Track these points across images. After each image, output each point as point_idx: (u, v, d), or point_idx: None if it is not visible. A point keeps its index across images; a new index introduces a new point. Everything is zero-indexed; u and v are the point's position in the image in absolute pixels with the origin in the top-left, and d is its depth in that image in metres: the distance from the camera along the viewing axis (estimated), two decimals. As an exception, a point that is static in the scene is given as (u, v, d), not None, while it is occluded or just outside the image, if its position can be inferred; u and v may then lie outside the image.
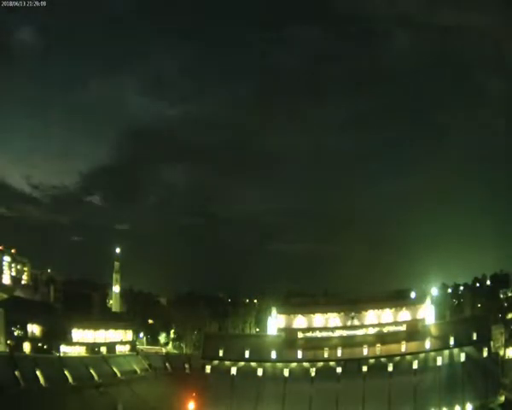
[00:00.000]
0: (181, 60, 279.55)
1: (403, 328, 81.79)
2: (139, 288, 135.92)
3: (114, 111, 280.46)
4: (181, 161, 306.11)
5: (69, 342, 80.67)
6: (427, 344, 78.20)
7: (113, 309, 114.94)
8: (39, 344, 76.11)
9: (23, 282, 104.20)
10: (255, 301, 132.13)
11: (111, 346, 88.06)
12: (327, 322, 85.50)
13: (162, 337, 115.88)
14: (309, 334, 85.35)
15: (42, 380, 66.36)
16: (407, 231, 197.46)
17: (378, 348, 79.85)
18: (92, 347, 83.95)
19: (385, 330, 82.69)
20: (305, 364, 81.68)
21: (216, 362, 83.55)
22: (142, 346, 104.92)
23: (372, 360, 78.99)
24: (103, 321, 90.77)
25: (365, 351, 79.97)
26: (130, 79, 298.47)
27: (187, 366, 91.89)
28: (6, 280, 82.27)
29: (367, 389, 75.45)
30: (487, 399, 68.37)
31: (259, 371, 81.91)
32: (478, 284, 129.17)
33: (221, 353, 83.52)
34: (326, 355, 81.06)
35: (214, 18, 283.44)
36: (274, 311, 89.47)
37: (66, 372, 71.48)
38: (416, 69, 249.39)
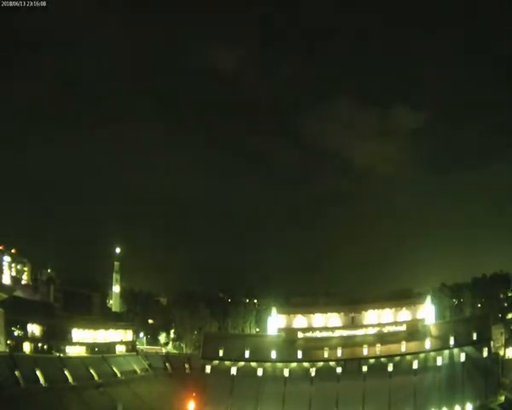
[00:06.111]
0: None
1: (403, 328, 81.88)
2: (139, 288, 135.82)
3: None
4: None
5: (69, 342, 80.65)
6: (427, 344, 78.29)
7: (113, 309, 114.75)
8: (39, 344, 76.06)
9: (23, 282, 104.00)
10: (255, 301, 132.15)
11: (111, 346, 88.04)
12: (327, 322, 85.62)
13: (162, 337, 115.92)
14: (309, 334, 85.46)
15: (42, 380, 66.26)
16: (407, 231, 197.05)
17: (378, 348, 79.96)
18: (92, 347, 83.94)
19: (385, 330, 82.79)
20: (305, 364, 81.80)
21: (216, 362, 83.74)
22: (142, 346, 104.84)
23: (372, 360, 79.16)
24: (103, 321, 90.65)
25: (365, 351, 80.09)
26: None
27: (187, 366, 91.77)
28: (6, 280, 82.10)
29: (367, 389, 75.61)
30: (487, 399, 68.18)
31: (259, 371, 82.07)
32: (478, 284, 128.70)
33: (221, 353, 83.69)
34: (326, 355, 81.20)
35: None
36: (274, 311, 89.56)
37: (66, 372, 71.47)
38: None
